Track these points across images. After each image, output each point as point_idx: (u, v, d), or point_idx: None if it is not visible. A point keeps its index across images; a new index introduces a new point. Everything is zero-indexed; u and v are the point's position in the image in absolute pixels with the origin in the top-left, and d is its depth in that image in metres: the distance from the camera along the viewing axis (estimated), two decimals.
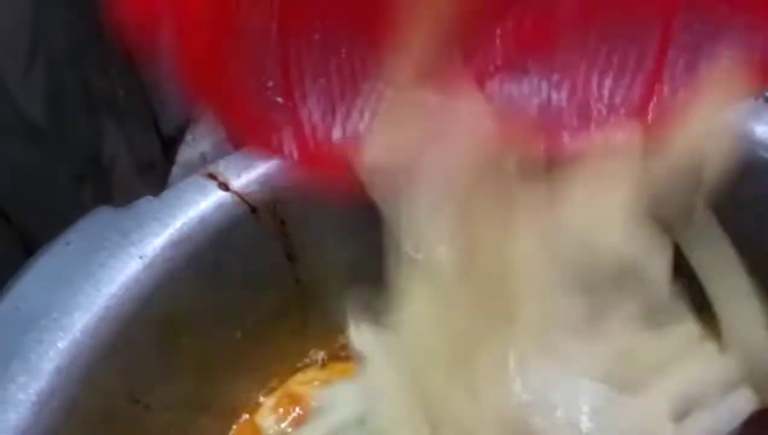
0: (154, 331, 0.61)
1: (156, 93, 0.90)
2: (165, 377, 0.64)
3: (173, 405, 0.66)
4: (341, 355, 0.79)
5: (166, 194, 0.62)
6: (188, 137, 0.89)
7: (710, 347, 0.61)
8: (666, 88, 0.58)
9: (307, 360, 0.79)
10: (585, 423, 0.55)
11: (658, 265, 0.57)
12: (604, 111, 0.57)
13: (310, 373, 0.78)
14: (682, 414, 0.58)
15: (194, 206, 0.62)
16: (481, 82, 0.57)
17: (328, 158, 0.64)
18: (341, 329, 0.79)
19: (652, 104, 0.57)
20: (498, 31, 0.56)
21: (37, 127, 0.82)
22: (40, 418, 0.51)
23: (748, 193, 0.61)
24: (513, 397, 0.55)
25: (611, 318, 0.58)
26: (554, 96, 0.59)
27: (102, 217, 0.60)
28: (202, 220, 0.62)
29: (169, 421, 0.66)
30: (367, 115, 0.62)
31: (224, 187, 0.63)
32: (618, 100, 0.58)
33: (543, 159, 0.57)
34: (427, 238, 0.56)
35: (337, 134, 0.63)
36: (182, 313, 0.64)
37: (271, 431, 0.72)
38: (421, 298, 0.58)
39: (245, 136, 0.64)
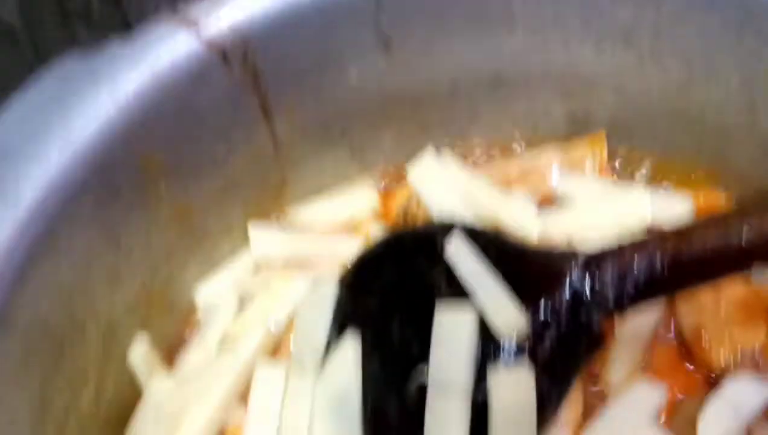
0: (131, 176, 0.62)
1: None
2: (145, 224, 0.65)
3: (154, 254, 0.67)
4: None
5: (136, 37, 0.62)
6: None
7: None
8: None
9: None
10: None
11: None
12: None
13: None
14: None
15: (165, 49, 0.62)
16: None
17: None
18: (321, 191, 0.81)
19: None
20: None
21: (11, 31, 0.82)
22: (20, 244, 0.52)
23: None
24: None
25: None
26: None
27: (72, 61, 0.60)
28: (173, 64, 0.62)
29: (151, 269, 0.68)
30: None
31: (194, 31, 0.63)
32: None
33: None
34: None
35: None
36: (159, 161, 0.64)
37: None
38: None
39: None
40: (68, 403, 0.58)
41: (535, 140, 0.82)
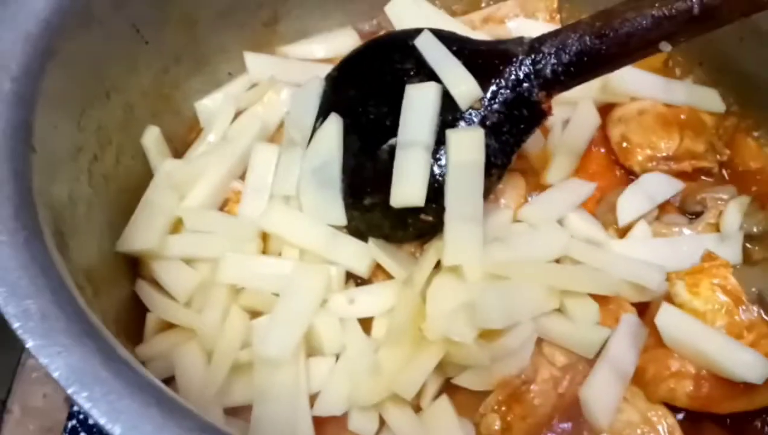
0: None
1: None
2: (159, 21, 0.75)
3: (166, 51, 0.78)
4: None
5: None
6: None
7: None
8: None
9: None
10: None
11: None
12: None
13: None
14: None
15: None
16: None
17: None
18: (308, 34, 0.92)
19: None
20: None
21: None
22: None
23: None
24: None
25: None
26: None
27: None
28: None
29: (162, 67, 0.78)
30: None
31: None
32: None
33: None
34: None
35: None
36: None
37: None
38: None
39: None
40: (96, 152, 0.69)
41: None
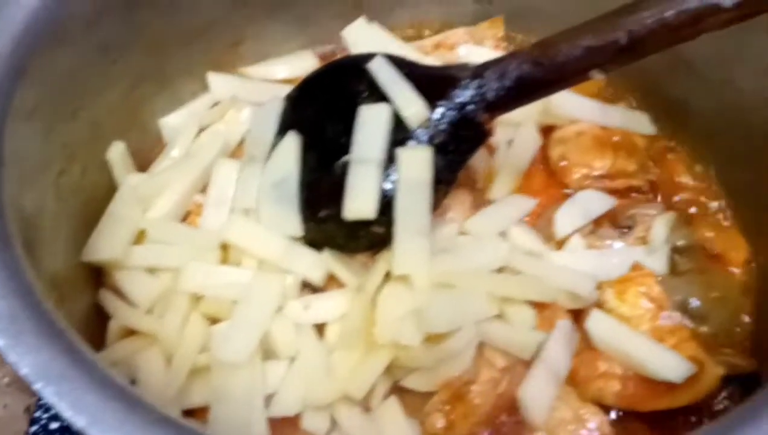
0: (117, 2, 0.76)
1: None
2: (126, 43, 0.79)
3: (132, 70, 0.82)
4: None
5: None
6: None
7: None
8: None
9: None
10: None
11: None
12: None
13: None
14: None
15: None
16: None
17: None
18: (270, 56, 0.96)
19: None
20: None
21: None
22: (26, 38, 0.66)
23: None
24: None
25: None
26: None
27: None
28: None
29: (129, 86, 0.82)
30: None
31: None
32: None
33: None
34: None
35: None
36: None
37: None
38: None
39: None
40: (63, 166, 0.72)
41: (448, 24, 1.00)
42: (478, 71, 0.72)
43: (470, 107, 0.72)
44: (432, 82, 0.74)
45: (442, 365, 0.70)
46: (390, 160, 0.72)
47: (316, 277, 0.74)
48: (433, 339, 0.69)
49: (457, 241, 0.77)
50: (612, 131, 0.88)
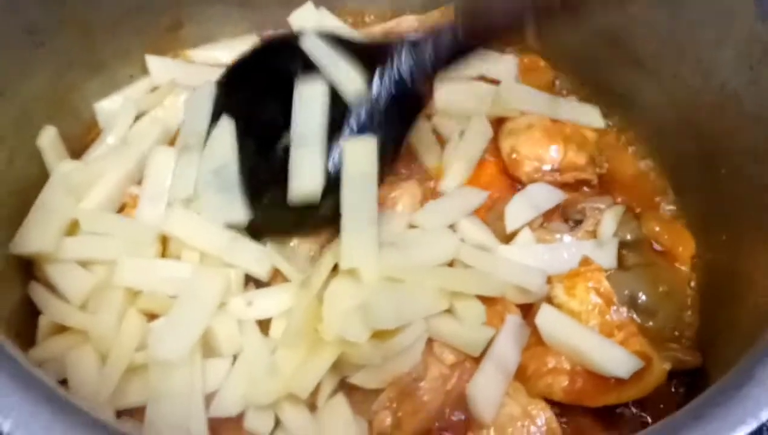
0: None
1: None
2: (53, 27, 0.75)
3: (60, 57, 0.77)
4: None
5: None
6: None
7: None
8: None
9: None
10: None
11: None
12: None
13: None
14: None
15: None
16: None
17: None
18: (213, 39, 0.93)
19: None
20: None
21: None
22: None
23: None
24: None
25: None
26: None
27: None
28: None
29: (58, 70, 0.77)
30: None
31: None
32: None
33: None
34: None
35: None
36: None
37: None
38: None
39: None
40: None
41: (398, 12, 0.98)
42: (412, 41, 0.72)
43: (406, 76, 0.71)
44: (367, 56, 0.73)
45: (390, 362, 0.68)
46: (332, 139, 0.70)
47: (262, 271, 0.72)
48: (381, 335, 0.67)
49: (407, 235, 0.76)
50: (563, 124, 0.87)
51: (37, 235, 0.71)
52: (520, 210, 0.80)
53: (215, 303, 0.68)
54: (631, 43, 0.86)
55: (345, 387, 0.69)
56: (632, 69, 0.87)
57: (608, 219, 0.80)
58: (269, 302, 0.70)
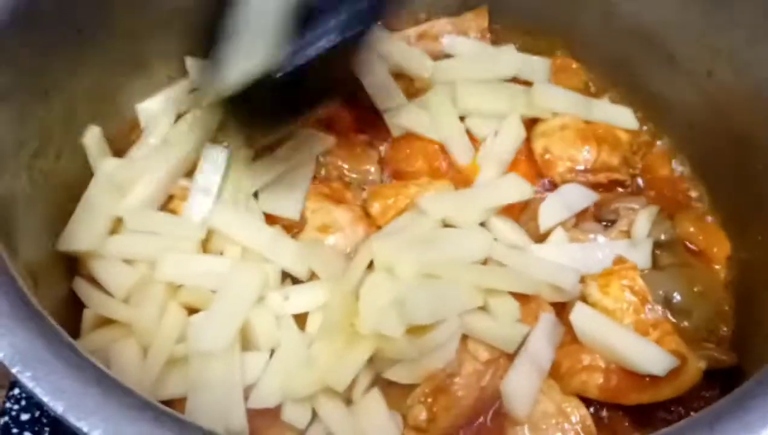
0: None
1: None
2: (101, 27, 0.77)
3: (108, 56, 0.79)
4: None
5: None
6: None
7: None
8: None
9: None
10: None
11: None
12: None
13: None
14: None
15: None
16: None
17: None
18: None
19: None
20: None
21: None
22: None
23: None
24: None
25: None
26: None
27: None
28: None
29: (104, 70, 0.80)
30: None
31: None
32: None
33: None
34: None
35: None
36: None
37: None
38: None
39: None
40: (37, 149, 0.70)
41: (433, 14, 0.99)
42: None
43: None
44: None
45: (425, 357, 0.69)
46: None
47: (301, 269, 0.73)
48: (416, 331, 0.68)
49: (441, 233, 0.76)
50: (595, 125, 0.87)
51: (82, 234, 0.74)
52: (553, 210, 0.81)
53: (254, 297, 0.69)
54: (664, 42, 0.86)
55: (381, 381, 0.69)
56: (665, 68, 0.87)
57: (642, 219, 0.80)
58: (306, 297, 0.72)
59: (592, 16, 0.91)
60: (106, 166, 0.78)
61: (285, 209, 0.77)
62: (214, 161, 0.77)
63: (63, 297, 0.73)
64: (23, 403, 0.79)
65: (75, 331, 0.73)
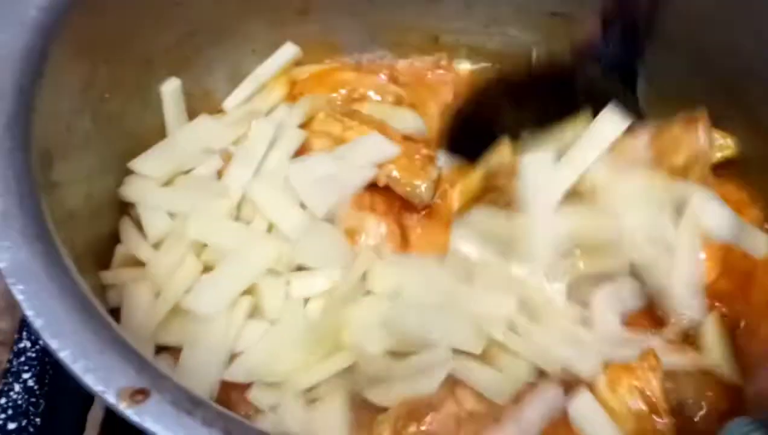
0: None
1: None
2: None
3: (197, 17, 0.83)
4: None
5: None
6: None
7: None
8: None
9: None
10: None
11: None
12: None
13: None
14: None
15: None
16: None
17: None
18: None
19: None
20: None
21: None
22: None
23: None
24: None
25: None
26: None
27: None
28: None
29: (189, 31, 0.83)
30: None
31: None
32: None
33: None
34: None
35: None
36: None
37: None
38: None
39: None
40: (106, 91, 0.75)
41: None
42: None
43: None
44: None
45: (405, 381, 0.67)
46: None
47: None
48: (402, 355, 0.67)
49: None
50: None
51: (155, 163, 0.80)
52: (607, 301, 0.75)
53: (260, 268, 0.71)
54: None
55: (356, 400, 0.68)
56: None
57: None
58: (310, 281, 0.73)
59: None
60: (204, 120, 0.84)
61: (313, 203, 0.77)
62: (262, 134, 0.80)
63: (108, 234, 0.78)
64: (9, 412, 0.78)
65: (107, 264, 0.77)
